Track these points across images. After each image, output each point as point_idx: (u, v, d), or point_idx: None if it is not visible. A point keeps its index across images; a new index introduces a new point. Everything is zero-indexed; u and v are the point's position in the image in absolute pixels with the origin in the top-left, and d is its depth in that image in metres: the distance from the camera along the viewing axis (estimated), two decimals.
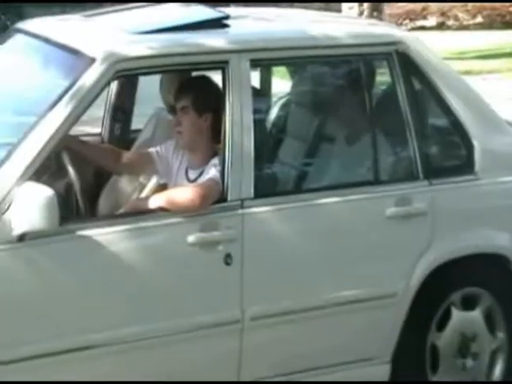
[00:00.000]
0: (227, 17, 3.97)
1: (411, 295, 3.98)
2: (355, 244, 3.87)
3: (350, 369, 3.94)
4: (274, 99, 4.79)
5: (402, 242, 3.98)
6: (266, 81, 4.76)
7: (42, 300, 3.32)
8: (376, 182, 4.01)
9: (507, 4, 23.40)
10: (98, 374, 3.47)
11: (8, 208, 3.23)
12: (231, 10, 4.16)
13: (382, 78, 4.26)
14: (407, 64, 4.06)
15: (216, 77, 3.87)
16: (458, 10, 23.43)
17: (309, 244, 3.80)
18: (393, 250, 3.97)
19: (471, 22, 23.16)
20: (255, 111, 3.81)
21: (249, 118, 3.71)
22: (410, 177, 4.04)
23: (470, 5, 23.42)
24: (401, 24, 18.05)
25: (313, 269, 3.80)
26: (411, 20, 21.87)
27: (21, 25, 4.43)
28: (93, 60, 3.53)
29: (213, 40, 3.78)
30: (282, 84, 4.77)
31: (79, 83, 3.48)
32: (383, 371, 4.02)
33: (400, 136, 4.06)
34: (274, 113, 4.64)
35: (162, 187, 3.88)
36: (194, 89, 3.96)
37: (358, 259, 3.87)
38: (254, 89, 3.94)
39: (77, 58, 3.65)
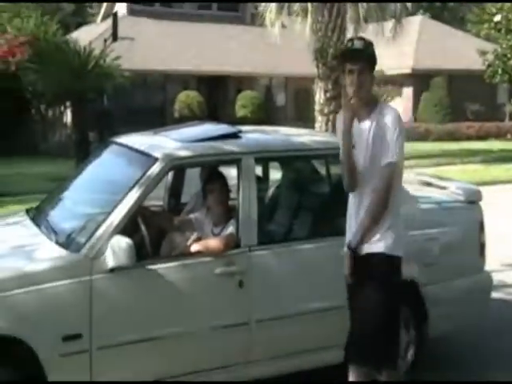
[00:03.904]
0: (240, 131, 4.01)
1: None
2: (319, 274, 3.84)
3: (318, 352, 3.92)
4: (270, 183, 4.78)
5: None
6: (265, 171, 4.75)
7: (124, 308, 3.35)
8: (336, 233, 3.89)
9: (417, 125, 23.80)
10: (159, 355, 3.45)
11: (105, 251, 3.29)
12: (243, 128, 4.20)
13: (339, 170, 4.26)
14: None
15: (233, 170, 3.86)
16: None
17: (293, 274, 3.77)
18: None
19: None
20: (258, 190, 3.83)
21: (254, 195, 3.72)
22: None
23: None
24: None
25: (295, 289, 3.77)
26: None
27: (113, 138, 4.47)
28: (156, 159, 3.59)
29: (231, 146, 3.81)
30: (275, 173, 4.79)
31: (148, 173, 3.54)
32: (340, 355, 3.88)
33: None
34: (270, 191, 4.66)
35: (198, 239, 3.83)
36: (219, 177, 4.05)
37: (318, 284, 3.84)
38: (257, 176, 3.94)
39: (146, 158, 3.68)
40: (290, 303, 3.79)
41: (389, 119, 3.17)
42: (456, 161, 16.56)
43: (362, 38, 3.30)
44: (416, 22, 27.42)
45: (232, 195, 4.02)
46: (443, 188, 4.73)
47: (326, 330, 3.87)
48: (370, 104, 3.24)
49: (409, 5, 16.52)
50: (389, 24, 15.43)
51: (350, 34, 14.75)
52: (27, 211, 4.32)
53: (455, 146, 20.35)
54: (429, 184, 4.89)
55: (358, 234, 3.22)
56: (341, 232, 3.91)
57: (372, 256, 3.20)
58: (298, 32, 15.15)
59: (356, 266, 3.22)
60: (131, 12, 26.59)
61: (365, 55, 3.20)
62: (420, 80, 25.55)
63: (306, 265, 3.84)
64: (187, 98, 23.64)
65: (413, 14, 24.73)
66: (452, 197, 4.55)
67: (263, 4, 15.71)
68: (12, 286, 3.15)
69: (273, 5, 15.25)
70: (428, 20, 31.34)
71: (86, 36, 22.88)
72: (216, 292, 3.60)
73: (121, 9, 26.08)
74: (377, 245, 3.20)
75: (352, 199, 3.34)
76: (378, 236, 3.20)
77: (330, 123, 13.64)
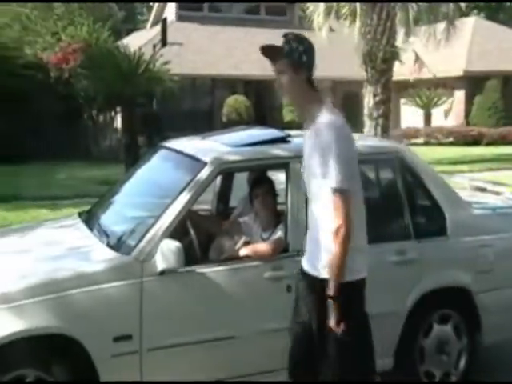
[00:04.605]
0: (288, 135, 3.98)
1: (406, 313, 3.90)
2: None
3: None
4: None
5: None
6: None
7: (173, 311, 3.38)
8: (384, 239, 3.89)
9: (469, 128, 23.42)
10: (207, 359, 3.49)
11: (154, 254, 3.33)
12: (291, 132, 4.15)
13: (388, 174, 4.22)
14: (403, 165, 4.04)
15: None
16: (437, 132, 23.54)
17: None
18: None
19: (445, 140, 23.11)
20: (305, 195, 3.77)
21: (302, 200, 3.64)
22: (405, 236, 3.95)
23: (444, 129, 23.57)
24: (401, 141, 17.94)
25: None
26: (407, 138, 21.76)
27: (163, 143, 4.51)
28: (205, 163, 3.62)
29: (279, 150, 3.80)
30: None
31: (197, 178, 3.56)
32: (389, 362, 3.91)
33: (400, 210, 3.98)
34: None
35: (246, 243, 3.84)
36: (267, 182, 4.07)
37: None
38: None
39: (196, 162, 3.71)
40: None
41: (323, 132, 2.83)
42: (510, 165, 16.17)
43: (288, 35, 2.94)
44: (470, 23, 26.79)
45: (280, 200, 4.02)
46: (498, 193, 4.66)
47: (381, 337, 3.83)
48: (310, 110, 2.96)
49: (462, 5, 16.17)
50: (441, 25, 15.21)
51: (400, 37, 14.62)
52: (80, 214, 4.42)
53: (509, 150, 19.89)
54: (483, 189, 4.82)
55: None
56: (388, 238, 3.94)
57: None
58: (347, 35, 15.10)
59: None
60: (180, 18, 26.91)
61: (284, 53, 2.88)
62: (473, 83, 24.84)
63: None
64: (235, 102, 23.74)
65: (466, 14, 24.13)
66: (507, 202, 4.47)
67: (311, 8, 15.71)
68: (66, 286, 3.22)
69: (321, 8, 15.23)
70: (482, 21, 30.52)
71: (136, 42, 23.23)
72: (264, 295, 3.60)
73: (170, 15, 26.42)
74: None
75: None
76: None
77: (378, 127, 13.54)
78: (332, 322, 2.83)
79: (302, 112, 3.06)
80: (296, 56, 2.89)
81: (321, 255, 2.94)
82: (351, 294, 2.87)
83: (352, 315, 2.86)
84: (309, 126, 2.97)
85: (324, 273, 2.90)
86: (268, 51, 2.95)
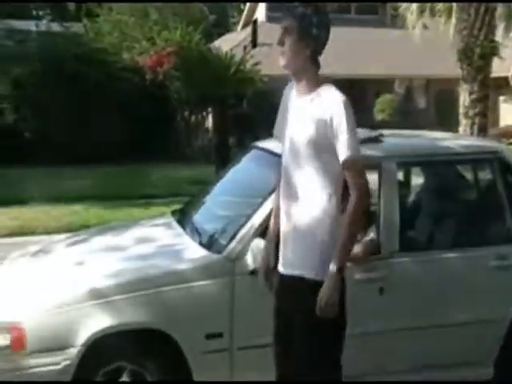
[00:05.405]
0: (382, 135, 3.93)
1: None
2: (462, 286, 3.73)
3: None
4: (412, 188, 4.62)
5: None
6: (406, 176, 4.62)
7: (264, 311, 3.09)
8: (482, 243, 3.84)
9: None
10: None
11: (245, 253, 3.33)
12: (385, 132, 4.09)
13: (487, 174, 4.11)
14: (503, 165, 3.94)
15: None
16: None
17: (435, 284, 3.66)
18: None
19: None
20: (399, 196, 3.76)
21: (395, 201, 3.65)
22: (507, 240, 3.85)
23: None
24: (500, 141, 17.22)
25: (438, 299, 3.66)
26: (507, 138, 20.92)
27: (254, 144, 4.53)
28: None
29: (372, 150, 3.68)
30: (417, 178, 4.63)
31: None
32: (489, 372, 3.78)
33: (500, 212, 3.87)
34: (412, 197, 4.51)
35: None
36: None
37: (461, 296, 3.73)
38: (399, 181, 3.89)
39: None
40: (430, 313, 3.66)
41: (335, 103, 2.65)
42: None
43: (308, 6, 2.76)
44: None
45: (373, 200, 3.93)
46: None
47: (467, 345, 3.73)
48: (311, 83, 2.77)
49: None
50: None
51: (499, 32, 14.11)
52: (173, 213, 4.50)
53: None
54: None
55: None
56: (487, 242, 3.84)
57: None
58: (441, 32, 14.72)
59: None
60: (269, 19, 26.99)
61: (296, 15, 2.73)
62: None
63: (449, 275, 3.72)
64: None
65: None
66: None
67: (404, 5, 15.42)
68: (159, 283, 3.29)
69: (414, 6, 14.93)
70: None
71: (227, 44, 23.58)
72: (353, 297, 3.52)
73: (260, 16, 26.63)
74: None
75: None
76: None
77: (475, 126, 13.11)
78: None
79: (296, 76, 2.83)
80: (306, 23, 2.71)
81: (312, 252, 2.72)
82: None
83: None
84: (304, 91, 2.78)
85: (315, 272, 2.71)
86: (283, 12, 2.83)
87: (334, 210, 2.72)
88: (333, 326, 2.72)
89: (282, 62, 2.81)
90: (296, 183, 2.78)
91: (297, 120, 2.81)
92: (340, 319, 2.75)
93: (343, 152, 2.65)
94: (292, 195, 2.80)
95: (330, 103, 2.68)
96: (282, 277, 2.86)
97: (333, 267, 2.64)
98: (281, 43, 2.80)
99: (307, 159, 2.74)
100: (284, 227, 2.85)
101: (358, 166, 2.70)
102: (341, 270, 2.67)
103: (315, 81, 2.79)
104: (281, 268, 2.88)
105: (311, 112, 2.73)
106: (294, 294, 2.79)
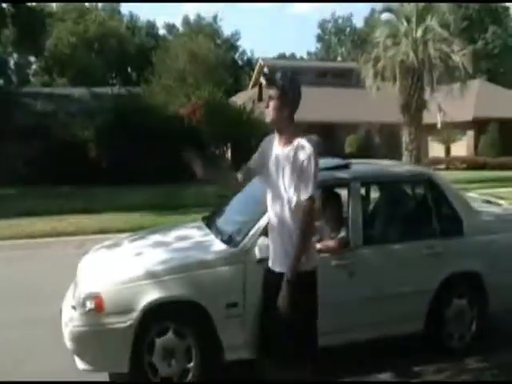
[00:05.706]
0: (350, 163, 3.89)
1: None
2: (406, 267, 3.68)
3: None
4: (371, 200, 4.50)
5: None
6: (367, 191, 4.51)
7: None
8: (418, 237, 3.77)
9: (478, 158, 22.82)
10: None
11: (254, 247, 3.22)
12: (352, 161, 4.03)
13: (421, 190, 4.07)
14: (432, 184, 3.91)
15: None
16: (455, 160, 22.96)
17: (388, 266, 3.63)
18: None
19: (461, 166, 22.35)
20: (362, 206, 3.74)
21: (359, 209, 3.63)
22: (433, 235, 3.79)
23: (460, 158, 23.07)
24: (429, 167, 17.14)
25: (389, 277, 3.62)
26: (433, 165, 20.93)
27: None
28: None
29: (343, 174, 3.71)
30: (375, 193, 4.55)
31: None
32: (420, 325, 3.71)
33: (429, 216, 3.83)
34: (371, 206, 4.41)
35: (319, 241, 3.60)
36: (335, 196, 3.85)
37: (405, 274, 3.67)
38: (361, 196, 3.87)
39: None
40: (384, 287, 3.61)
41: (305, 155, 2.57)
42: (507, 184, 15.30)
43: (287, 73, 2.69)
44: (476, 83, 25.86)
45: (344, 209, 3.88)
46: (499, 205, 4.56)
47: (408, 307, 3.69)
48: (289, 135, 2.67)
49: (471, 70, 15.41)
50: (456, 85, 14.66)
51: (427, 93, 14.31)
52: (203, 218, 4.42)
53: (507, 173, 19.09)
54: (488, 202, 4.70)
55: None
56: (421, 237, 3.80)
57: None
58: (389, 92, 14.95)
59: None
60: None
61: (279, 86, 2.63)
62: (479, 125, 24.30)
63: (396, 260, 3.69)
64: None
65: (474, 77, 23.09)
66: (506, 211, 4.39)
67: (363, 73, 15.61)
68: (194, 268, 3.25)
69: (370, 73, 15.21)
70: (485, 82, 29.95)
71: (241, 99, 23.69)
72: (331, 280, 3.41)
73: (263, 79, 26.75)
74: None
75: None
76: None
77: (413, 157, 13.31)
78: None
79: (281, 131, 2.73)
80: (287, 92, 2.64)
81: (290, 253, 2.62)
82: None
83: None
84: (286, 144, 2.68)
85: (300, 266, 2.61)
86: (269, 78, 2.72)
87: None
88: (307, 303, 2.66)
89: (267, 119, 2.74)
90: (276, 203, 2.73)
91: (277, 163, 2.71)
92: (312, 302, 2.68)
93: (304, 192, 2.59)
94: (275, 210, 2.74)
95: (303, 153, 2.61)
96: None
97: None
98: (267, 106, 2.72)
99: (283, 188, 2.68)
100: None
101: (310, 203, 2.59)
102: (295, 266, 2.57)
103: (292, 133, 2.70)
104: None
105: (289, 158, 2.65)
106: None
